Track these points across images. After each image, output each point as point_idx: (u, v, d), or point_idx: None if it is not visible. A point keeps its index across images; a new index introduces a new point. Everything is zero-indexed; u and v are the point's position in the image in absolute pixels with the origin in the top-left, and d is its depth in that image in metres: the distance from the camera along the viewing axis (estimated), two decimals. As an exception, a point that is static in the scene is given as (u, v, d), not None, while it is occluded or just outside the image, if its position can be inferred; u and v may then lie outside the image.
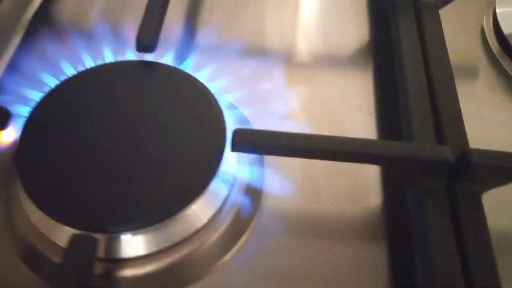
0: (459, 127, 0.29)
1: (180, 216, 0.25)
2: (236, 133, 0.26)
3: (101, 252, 0.25)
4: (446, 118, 0.29)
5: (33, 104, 0.29)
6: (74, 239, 0.23)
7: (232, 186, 0.28)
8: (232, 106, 0.32)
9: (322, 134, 0.28)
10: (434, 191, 0.26)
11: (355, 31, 0.40)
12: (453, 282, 0.24)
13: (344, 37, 0.40)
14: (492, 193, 0.27)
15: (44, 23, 0.39)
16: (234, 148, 0.26)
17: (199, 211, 0.26)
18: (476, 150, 0.26)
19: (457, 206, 0.26)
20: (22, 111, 0.29)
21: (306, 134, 0.28)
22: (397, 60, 0.33)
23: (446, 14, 0.38)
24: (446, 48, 0.33)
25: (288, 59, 0.37)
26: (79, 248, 0.23)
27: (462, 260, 0.25)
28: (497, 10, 0.39)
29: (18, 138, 0.27)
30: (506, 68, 0.37)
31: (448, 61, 0.33)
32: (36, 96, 0.29)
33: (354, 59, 0.38)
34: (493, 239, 0.26)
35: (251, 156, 0.30)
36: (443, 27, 0.38)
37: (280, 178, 0.30)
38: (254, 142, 0.27)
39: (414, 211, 0.27)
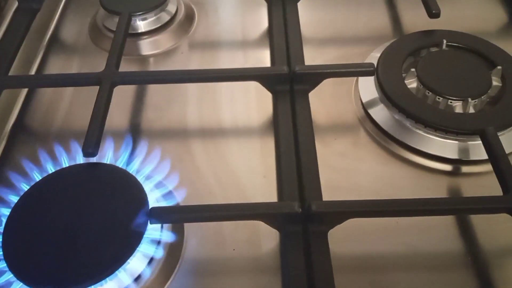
0: (316, 185, 0.41)
1: (121, 270, 0.37)
2: (151, 210, 0.38)
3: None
4: (307, 179, 0.41)
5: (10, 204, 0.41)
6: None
7: (158, 245, 0.39)
8: (159, 185, 0.43)
9: (217, 204, 0.40)
10: (293, 234, 0.38)
11: (261, 109, 0.52)
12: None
13: (251, 114, 0.52)
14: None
15: (18, 140, 0.51)
16: (152, 222, 0.38)
17: (134, 266, 0.38)
18: (316, 202, 0.38)
19: (310, 242, 0.38)
20: (4, 211, 0.40)
21: (203, 206, 0.40)
22: (276, 133, 0.45)
23: (325, 87, 0.50)
24: (311, 122, 0.45)
25: (203, 136, 0.49)
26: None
27: (310, 279, 0.36)
28: (359, 82, 0.52)
29: (2, 230, 0.39)
30: (367, 129, 0.49)
31: (312, 132, 0.45)
32: (13, 198, 0.41)
33: (258, 132, 0.50)
34: (334, 260, 0.37)
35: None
36: (323, 98, 0.50)
37: (195, 234, 0.42)
38: (165, 216, 0.38)
39: (281, 248, 0.38)
